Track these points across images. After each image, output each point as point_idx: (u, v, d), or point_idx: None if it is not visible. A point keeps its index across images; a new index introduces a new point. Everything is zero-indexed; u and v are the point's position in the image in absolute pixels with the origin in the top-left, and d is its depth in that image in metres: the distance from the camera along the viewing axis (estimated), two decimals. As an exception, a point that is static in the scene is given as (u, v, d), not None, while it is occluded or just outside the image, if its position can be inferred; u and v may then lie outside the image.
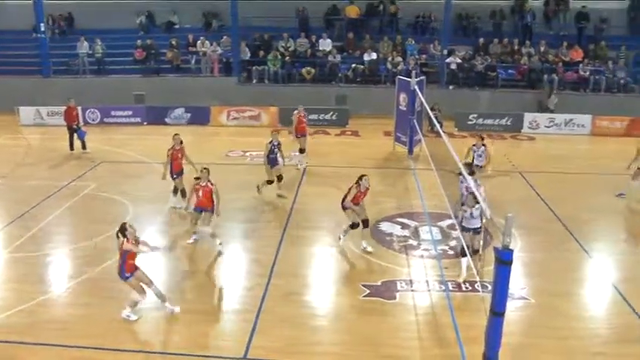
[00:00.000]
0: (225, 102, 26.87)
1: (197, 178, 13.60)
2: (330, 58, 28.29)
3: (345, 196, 13.42)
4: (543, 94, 27.22)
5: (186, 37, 29.56)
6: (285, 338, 10.43)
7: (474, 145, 17.25)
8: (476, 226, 12.20)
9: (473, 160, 16.68)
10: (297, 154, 19.95)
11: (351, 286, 12.14)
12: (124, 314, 10.89)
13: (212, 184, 13.40)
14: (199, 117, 26.52)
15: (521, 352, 10.10)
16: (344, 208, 13.53)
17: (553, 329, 10.85)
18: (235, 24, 28.10)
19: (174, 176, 15.92)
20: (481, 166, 16.53)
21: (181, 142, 16.01)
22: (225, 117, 26.60)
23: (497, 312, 8.27)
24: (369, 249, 13.54)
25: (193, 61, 28.91)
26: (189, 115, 26.62)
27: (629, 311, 11.52)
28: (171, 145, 15.99)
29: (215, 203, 13.45)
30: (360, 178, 13.38)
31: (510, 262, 7.93)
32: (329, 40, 29.05)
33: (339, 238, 13.91)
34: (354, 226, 13.61)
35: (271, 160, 16.71)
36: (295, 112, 19.97)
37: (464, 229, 12.30)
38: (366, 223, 13.65)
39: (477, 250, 12.36)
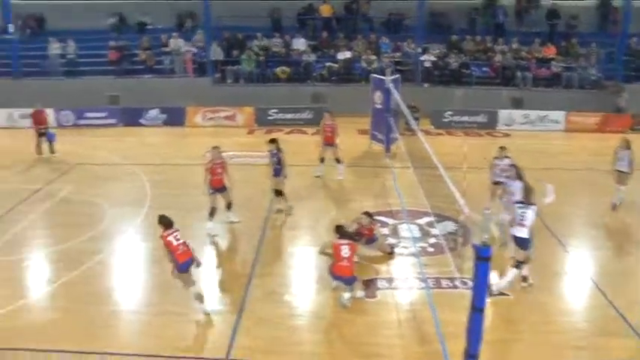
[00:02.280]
0: (200, 102, 26.70)
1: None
2: (304, 57, 28.27)
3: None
4: (613, 94, 27.02)
5: (159, 38, 29.35)
6: (267, 338, 10.42)
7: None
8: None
9: None
10: (339, 164, 18.75)
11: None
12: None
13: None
14: (175, 118, 26.36)
15: (502, 347, 10.21)
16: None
17: (533, 324, 10.95)
18: (208, 24, 27.98)
19: (211, 191, 14.53)
20: None
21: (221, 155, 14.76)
22: (200, 118, 26.46)
23: (477, 308, 8.31)
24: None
25: (167, 62, 28.71)
26: (164, 116, 26.46)
27: (606, 304, 11.66)
28: (209, 158, 14.78)
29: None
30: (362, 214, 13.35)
31: (489, 259, 7.98)
32: (303, 40, 29.03)
33: None
34: None
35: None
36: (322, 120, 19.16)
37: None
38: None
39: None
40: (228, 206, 14.96)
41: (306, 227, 15.13)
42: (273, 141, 15.70)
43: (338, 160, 18.71)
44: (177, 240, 10.65)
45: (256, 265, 13.08)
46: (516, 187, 13.02)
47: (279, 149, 15.49)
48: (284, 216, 15.72)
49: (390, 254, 13.48)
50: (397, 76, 22.22)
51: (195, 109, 26.46)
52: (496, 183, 14.95)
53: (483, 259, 7.98)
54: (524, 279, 12.10)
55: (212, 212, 14.54)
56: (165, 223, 10.73)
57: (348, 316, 11.13)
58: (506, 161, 14.74)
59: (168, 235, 10.61)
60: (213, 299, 11.43)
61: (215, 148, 14.72)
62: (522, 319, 11.17)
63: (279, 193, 15.77)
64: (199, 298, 10.99)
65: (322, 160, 18.69)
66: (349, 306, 11.34)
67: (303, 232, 14.92)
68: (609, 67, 28.37)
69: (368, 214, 13.35)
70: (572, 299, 12.21)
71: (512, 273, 11.74)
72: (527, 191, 11.95)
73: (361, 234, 13.17)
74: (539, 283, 12.39)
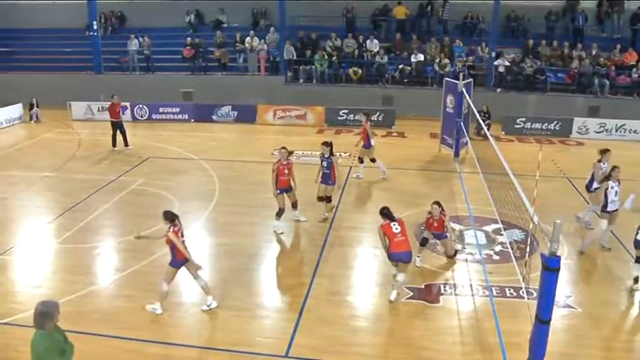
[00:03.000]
0: (271, 101, 27.05)
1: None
2: (377, 58, 28.23)
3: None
4: None
5: (234, 36, 29.85)
6: (326, 338, 10.43)
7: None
8: None
9: None
10: (360, 164, 18.86)
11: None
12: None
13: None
14: (246, 115, 26.78)
15: (567, 360, 9.90)
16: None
17: (599, 340, 10.62)
18: (283, 23, 28.32)
19: (278, 192, 14.45)
20: None
21: (289, 156, 14.73)
22: (271, 116, 26.79)
23: (542, 320, 8.10)
24: (419, 263, 13.10)
25: (241, 60, 29.20)
26: (235, 113, 26.93)
27: (681, 324, 11.18)
28: (277, 158, 14.71)
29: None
30: (432, 204, 13.06)
31: (557, 269, 7.77)
32: (376, 41, 28.99)
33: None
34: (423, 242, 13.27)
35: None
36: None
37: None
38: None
39: None
40: (294, 205, 15.00)
41: (371, 229, 14.95)
42: (327, 144, 15.06)
43: (361, 160, 18.69)
44: (182, 236, 10.81)
45: (319, 264, 13.11)
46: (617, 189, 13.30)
47: (332, 153, 15.04)
48: (322, 218, 15.41)
49: (451, 257, 13.33)
50: (470, 80, 21.92)
51: (266, 107, 26.83)
52: (594, 190, 14.60)
53: (551, 269, 7.78)
54: (637, 280, 12.10)
55: (280, 213, 14.61)
56: (171, 218, 10.81)
57: (410, 320, 11.06)
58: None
59: (178, 231, 10.73)
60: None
61: (283, 148, 14.62)
62: (590, 334, 10.80)
63: (323, 199, 15.29)
64: (164, 296, 11.11)
65: (373, 160, 18.57)
66: (397, 301, 11.38)
67: (367, 233, 14.80)
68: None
69: (438, 204, 12.98)
70: (642, 316, 11.78)
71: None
72: None
73: (430, 226, 12.98)
74: (610, 298, 12.03)
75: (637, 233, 12.07)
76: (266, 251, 13.96)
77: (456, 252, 13.49)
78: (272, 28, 29.73)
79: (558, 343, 10.16)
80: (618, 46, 28.00)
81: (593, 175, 14.88)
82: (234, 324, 10.84)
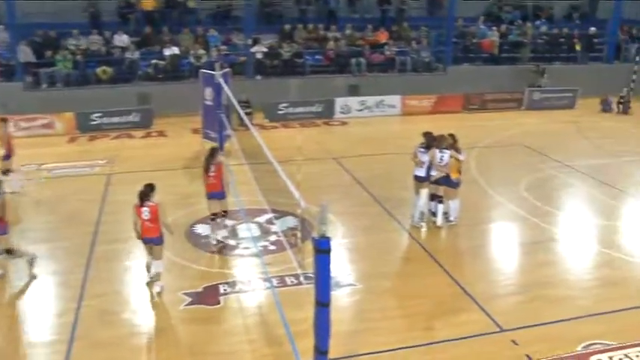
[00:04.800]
0: (10, 110, 24.11)
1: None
2: (127, 54, 26.67)
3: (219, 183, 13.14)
4: (535, 75, 29.27)
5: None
6: (105, 364, 9.48)
7: None
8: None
9: None
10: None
11: (171, 297, 11.35)
12: None
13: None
14: (-18, 129, 23.84)
15: (354, 338, 10.04)
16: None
17: (383, 310, 10.98)
18: (12, 20, 25.37)
19: None
20: None
21: None
22: (12, 128, 23.96)
23: (322, 302, 7.91)
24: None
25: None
26: (-32, 128, 23.82)
27: (451, 282, 11.92)
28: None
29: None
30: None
31: (329, 250, 7.59)
32: (125, 36, 27.32)
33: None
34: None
35: None
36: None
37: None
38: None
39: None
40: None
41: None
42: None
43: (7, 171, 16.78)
44: None
45: (86, 285, 11.90)
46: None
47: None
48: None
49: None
50: (227, 69, 21.45)
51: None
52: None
53: (323, 251, 7.59)
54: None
55: None
56: None
57: (193, 328, 10.50)
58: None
59: None
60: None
61: None
62: (372, 307, 11.10)
63: (10, 251, 12.16)
64: None
65: (6, 172, 16.65)
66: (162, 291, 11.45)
67: (136, 244, 13.73)
68: (439, 50, 29.38)
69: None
70: (417, 281, 12.23)
71: (441, 207, 14.34)
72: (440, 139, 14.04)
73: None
74: (385, 270, 12.51)
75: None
76: (20, 280, 12.27)
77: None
78: (1, 27, 26.63)
79: (344, 321, 10.30)
80: (370, 26, 29.49)
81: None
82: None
